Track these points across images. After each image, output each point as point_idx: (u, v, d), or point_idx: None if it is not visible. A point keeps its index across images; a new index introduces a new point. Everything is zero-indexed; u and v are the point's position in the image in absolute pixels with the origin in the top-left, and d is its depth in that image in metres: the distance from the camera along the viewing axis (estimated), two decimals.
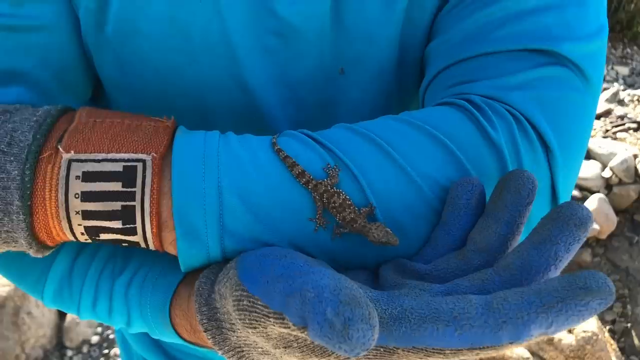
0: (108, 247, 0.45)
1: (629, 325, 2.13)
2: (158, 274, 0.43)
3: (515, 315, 0.29)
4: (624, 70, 3.46)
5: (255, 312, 0.31)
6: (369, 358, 0.32)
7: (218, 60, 0.50)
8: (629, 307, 2.17)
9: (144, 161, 0.36)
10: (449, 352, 0.30)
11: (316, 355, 0.32)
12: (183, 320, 0.41)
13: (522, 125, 0.42)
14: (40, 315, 1.97)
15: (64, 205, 0.35)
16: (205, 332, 0.36)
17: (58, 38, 0.47)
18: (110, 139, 0.36)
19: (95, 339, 2.00)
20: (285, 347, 0.32)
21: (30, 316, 1.94)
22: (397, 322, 0.30)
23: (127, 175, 0.35)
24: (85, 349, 2.00)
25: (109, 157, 0.35)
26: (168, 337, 0.44)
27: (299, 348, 0.32)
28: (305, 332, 0.29)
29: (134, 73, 0.50)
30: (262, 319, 0.31)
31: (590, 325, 1.74)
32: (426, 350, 0.30)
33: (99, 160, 0.35)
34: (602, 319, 2.08)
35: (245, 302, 0.32)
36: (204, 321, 0.36)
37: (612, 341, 1.95)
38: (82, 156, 0.35)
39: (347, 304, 0.27)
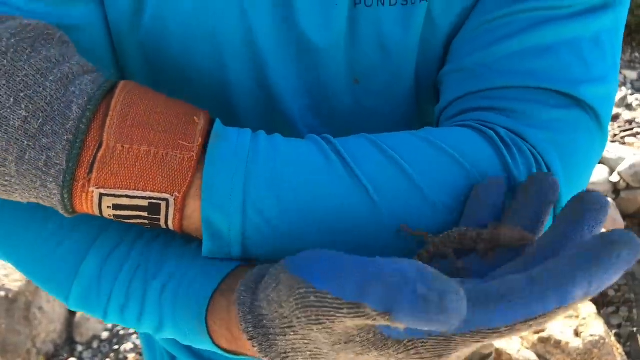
0: (140, 250, 0.46)
1: (635, 329, 2.14)
2: (192, 280, 0.43)
3: (559, 282, 0.30)
4: (632, 75, 3.47)
5: (325, 306, 0.31)
6: (427, 349, 0.32)
7: (244, 64, 0.51)
8: (635, 311, 2.18)
9: (167, 200, 0.39)
10: (503, 329, 0.31)
11: (376, 349, 0.33)
12: (222, 329, 0.41)
13: (540, 168, 0.44)
14: (51, 310, 1.99)
15: (99, 215, 0.41)
16: (250, 340, 0.36)
17: (90, 39, 0.49)
18: (137, 175, 0.39)
19: (105, 334, 2.02)
20: (347, 342, 0.33)
21: (41, 311, 1.96)
22: None
23: (152, 209, 0.40)
24: (95, 344, 2.01)
25: (136, 195, 0.39)
26: (202, 345, 0.44)
27: (360, 342, 0.33)
28: (387, 317, 0.28)
29: (163, 77, 0.52)
30: (332, 312, 0.31)
31: (597, 329, 1.76)
32: (482, 332, 0.31)
33: (127, 196, 0.39)
34: (608, 323, 2.09)
35: (312, 298, 0.31)
36: (250, 329, 0.36)
37: (618, 345, 1.97)
38: (112, 191, 0.39)
39: (437, 280, 0.28)
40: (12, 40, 0.39)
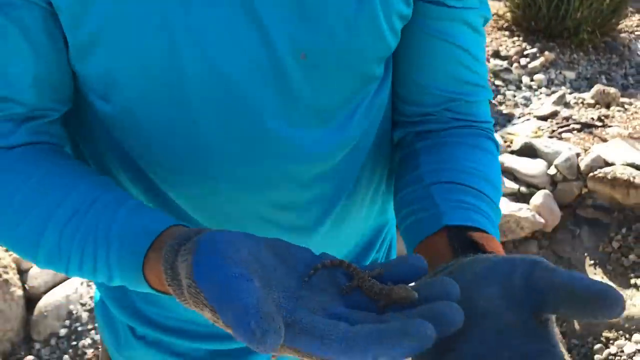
0: (90, 219, 0.54)
1: None
2: (132, 240, 0.53)
3: (358, 345, 0.38)
4: (570, 75, 3.66)
5: (198, 299, 0.43)
6: None
7: (196, 56, 0.56)
8: None
9: None
10: (315, 357, 0.40)
11: None
12: (154, 277, 0.51)
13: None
14: (7, 309, 2.01)
15: None
16: (169, 286, 0.47)
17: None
18: None
19: (63, 331, 2.04)
20: (215, 321, 0.43)
21: None
22: (287, 327, 0.40)
23: None
24: (53, 341, 2.04)
25: None
26: (143, 289, 0.54)
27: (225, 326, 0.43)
28: (231, 330, 0.39)
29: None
30: (202, 306, 0.43)
31: None
32: (299, 352, 0.40)
33: None
34: None
35: (192, 290, 0.43)
36: (169, 280, 0.46)
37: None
38: None
39: (265, 319, 0.38)
40: None
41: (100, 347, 0.89)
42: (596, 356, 2.14)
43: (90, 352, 2.00)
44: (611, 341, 2.17)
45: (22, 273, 2.15)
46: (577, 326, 2.24)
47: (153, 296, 0.70)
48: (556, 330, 0.42)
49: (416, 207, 0.65)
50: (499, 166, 0.72)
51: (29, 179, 0.56)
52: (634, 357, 2.09)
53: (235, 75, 0.58)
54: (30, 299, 2.11)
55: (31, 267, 2.19)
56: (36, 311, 2.07)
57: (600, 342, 2.18)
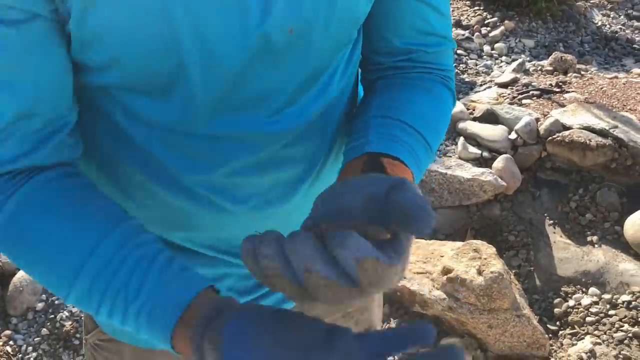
0: (122, 277, 0.56)
1: (532, 268, 2.41)
2: (163, 308, 0.55)
3: None
4: (530, 43, 3.75)
5: None
6: None
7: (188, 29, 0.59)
8: (532, 253, 2.44)
9: None
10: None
11: None
12: (181, 346, 0.54)
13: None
14: None
15: None
16: None
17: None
18: None
19: (40, 305, 2.06)
20: None
21: None
22: None
23: None
24: (30, 315, 2.05)
25: None
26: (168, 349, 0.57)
27: None
28: None
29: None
30: None
31: (497, 267, 1.98)
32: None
33: None
34: (509, 265, 2.34)
35: None
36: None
37: (517, 282, 2.21)
38: None
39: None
40: None
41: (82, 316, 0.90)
42: (556, 309, 2.27)
43: (68, 324, 2.02)
44: (569, 295, 2.30)
45: None
46: (537, 282, 2.36)
47: None
48: (407, 245, 0.48)
49: (354, 136, 0.70)
50: (447, 113, 0.78)
51: (59, 226, 0.59)
52: (590, 309, 2.22)
53: (227, 53, 0.62)
54: (4, 275, 2.11)
55: None
56: (11, 287, 2.08)
57: (560, 296, 2.30)
